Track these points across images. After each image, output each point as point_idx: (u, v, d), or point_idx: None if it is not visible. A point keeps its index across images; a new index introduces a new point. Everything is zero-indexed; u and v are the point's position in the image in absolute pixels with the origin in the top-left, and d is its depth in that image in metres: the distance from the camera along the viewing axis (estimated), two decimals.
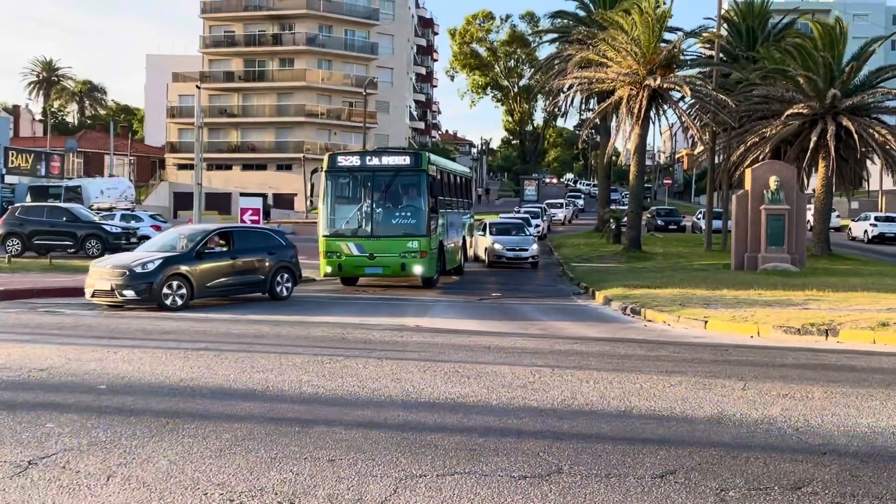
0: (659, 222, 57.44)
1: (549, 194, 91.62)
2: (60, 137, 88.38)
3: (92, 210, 39.68)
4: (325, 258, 23.75)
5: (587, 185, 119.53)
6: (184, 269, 18.52)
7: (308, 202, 26.83)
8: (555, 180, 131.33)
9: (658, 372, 10.63)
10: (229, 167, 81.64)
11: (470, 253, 32.89)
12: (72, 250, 32.78)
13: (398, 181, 23.91)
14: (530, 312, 19.40)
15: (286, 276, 20.94)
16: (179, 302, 18.30)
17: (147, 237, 37.63)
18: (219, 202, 76.20)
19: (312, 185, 25.99)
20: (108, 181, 55.21)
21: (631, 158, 39.12)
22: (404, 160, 23.91)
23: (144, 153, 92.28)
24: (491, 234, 34.49)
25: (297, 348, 12.17)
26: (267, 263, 20.51)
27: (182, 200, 76.69)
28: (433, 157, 25.36)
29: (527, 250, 32.92)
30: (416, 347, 12.55)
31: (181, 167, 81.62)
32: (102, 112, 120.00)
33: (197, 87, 41.05)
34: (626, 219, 41.52)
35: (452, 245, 27.69)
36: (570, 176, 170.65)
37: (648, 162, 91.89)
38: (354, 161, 24.06)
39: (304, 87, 78.73)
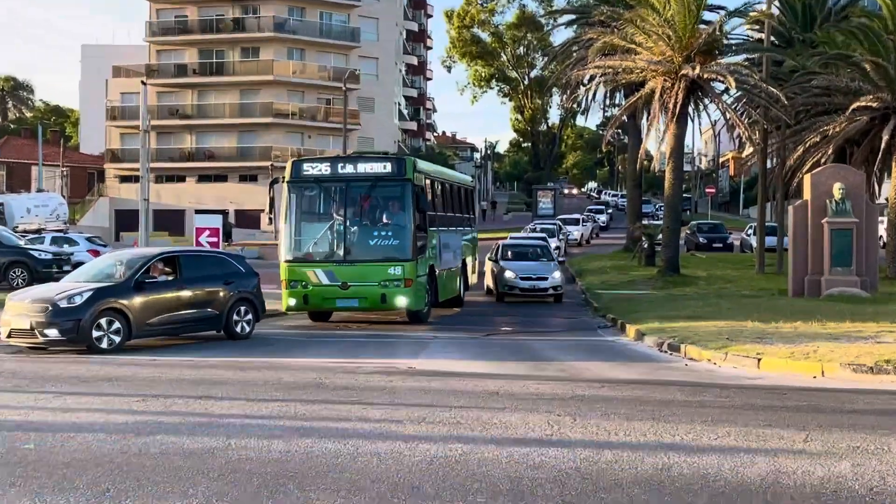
0: (701, 239, 57.49)
1: (570, 207, 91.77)
2: None
3: (16, 232, 39.69)
4: (287, 288, 23.56)
5: (614, 195, 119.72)
6: (119, 302, 18.40)
7: (267, 220, 26.72)
8: (575, 191, 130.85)
9: (702, 421, 10.59)
10: (182, 179, 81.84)
11: (472, 280, 32.70)
12: None
13: (377, 193, 23.81)
14: (547, 350, 19.38)
15: (246, 310, 20.90)
16: (115, 342, 18.18)
17: (83, 263, 37.69)
18: (170, 221, 76.34)
19: (272, 199, 25.41)
20: (35, 197, 55.32)
21: (666, 163, 39.19)
22: (384, 167, 23.72)
23: (79, 163, 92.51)
24: (503, 258, 33.13)
25: (263, 397, 12.15)
26: (222, 295, 20.45)
27: (125, 219, 76.85)
28: (421, 164, 25.34)
29: (546, 278, 31.27)
30: (408, 394, 12.54)
31: (124, 179, 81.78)
32: (29, 114, 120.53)
33: (142, 82, 41.24)
34: (660, 236, 41.53)
35: (449, 270, 27.64)
36: (592, 185, 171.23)
37: (687, 167, 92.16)
38: (323, 169, 23.94)
39: (271, 82, 79.06)
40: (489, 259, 34.67)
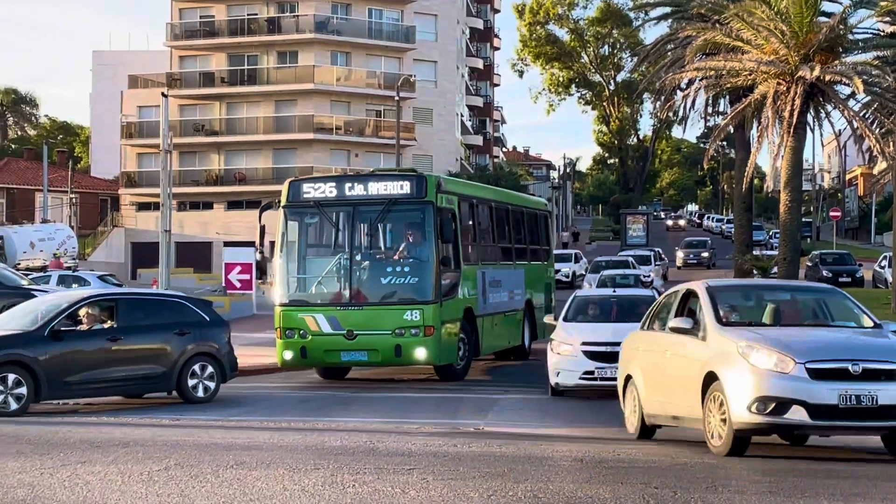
0: (824, 273, 56.73)
1: (674, 238, 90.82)
2: None
3: (18, 270, 40.38)
4: (282, 338, 22.99)
5: (718, 220, 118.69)
6: (24, 355, 18.00)
7: (257, 254, 26.50)
8: (682, 221, 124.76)
9: (830, 495, 10.43)
10: (209, 206, 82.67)
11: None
12: None
13: (392, 219, 23.49)
14: None
15: (207, 367, 20.15)
16: (15, 405, 17.74)
17: None
18: (195, 255, 77.09)
19: (263, 228, 24.76)
20: (40, 229, 56.35)
21: (781, 182, 38.81)
22: (401, 187, 23.11)
23: (90, 189, 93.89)
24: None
25: (304, 464, 12.19)
26: (172, 348, 19.77)
27: (144, 254, 77.71)
28: (449, 181, 24.95)
29: None
30: (476, 462, 12.50)
31: (142, 207, 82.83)
32: (32, 132, 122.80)
33: (163, 94, 41.90)
34: (775, 269, 41.09)
35: (501, 315, 26.92)
36: (692, 208, 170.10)
37: (807, 186, 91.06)
38: (328, 190, 23.42)
39: (312, 92, 79.71)
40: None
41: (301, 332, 22.68)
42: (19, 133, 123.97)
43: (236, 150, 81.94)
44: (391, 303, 22.68)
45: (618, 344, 17.29)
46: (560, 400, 20.58)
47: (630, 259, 54.35)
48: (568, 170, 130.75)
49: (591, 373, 19.09)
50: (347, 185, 23.60)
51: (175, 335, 19.89)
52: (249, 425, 16.55)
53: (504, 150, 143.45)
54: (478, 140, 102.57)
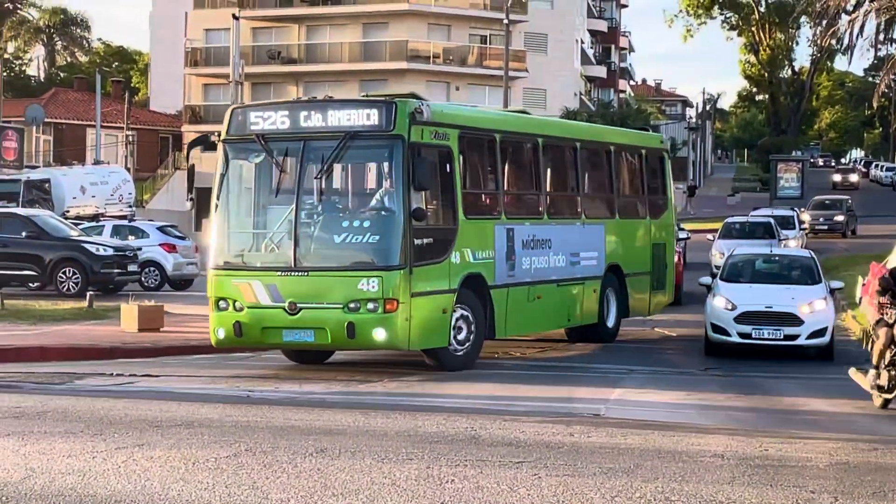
0: None
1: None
2: (17, 101, 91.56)
3: (67, 219, 40.98)
4: (215, 311, 20.92)
5: (888, 169, 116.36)
6: None
7: (188, 202, 25.34)
8: (855, 177, 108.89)
9: None
10: None
11: (660, 300, 29.14)
12: (35, 284, 34.05)
13: (352, 158, 21.44)
14: (791, 393, 19.28)
15: None
16: None
17: (154, 262, 38.64)
18: None
19: (192, 168, 23.60)
20: (92, 172, 56.98)
21: None
22: (366, 117, 20.40)
23: (149, 125, 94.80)
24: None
25: (395, 454, 12.21)
26: None
27: (210, 201, 78.52)
28: (441, 111, 22.08)
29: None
30: (595, 454, 12.45)
31: (208, 147, 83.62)
32: (84, 59, 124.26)
33: (234, 16, 42.14)
34: None
35: (552, 285, 24.30)
36: (857, 154, 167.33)
37: None
38: (279, 120, 21.06)
39: (406, 13, 79.67)
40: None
41: (236, 303, 20.55)
42: (69, 59, 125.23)
43: (317, 81, 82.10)
44: (343, 268, 20.30)
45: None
46: (694, 382, 20.42)
47: (770, 220, 48.19)
48: (708, 107, 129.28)
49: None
50: (303, 113, 21.09)
51: None
52: (332, 406, 16.64)
53: (632, 83, 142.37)
54: (601, 71, 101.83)
